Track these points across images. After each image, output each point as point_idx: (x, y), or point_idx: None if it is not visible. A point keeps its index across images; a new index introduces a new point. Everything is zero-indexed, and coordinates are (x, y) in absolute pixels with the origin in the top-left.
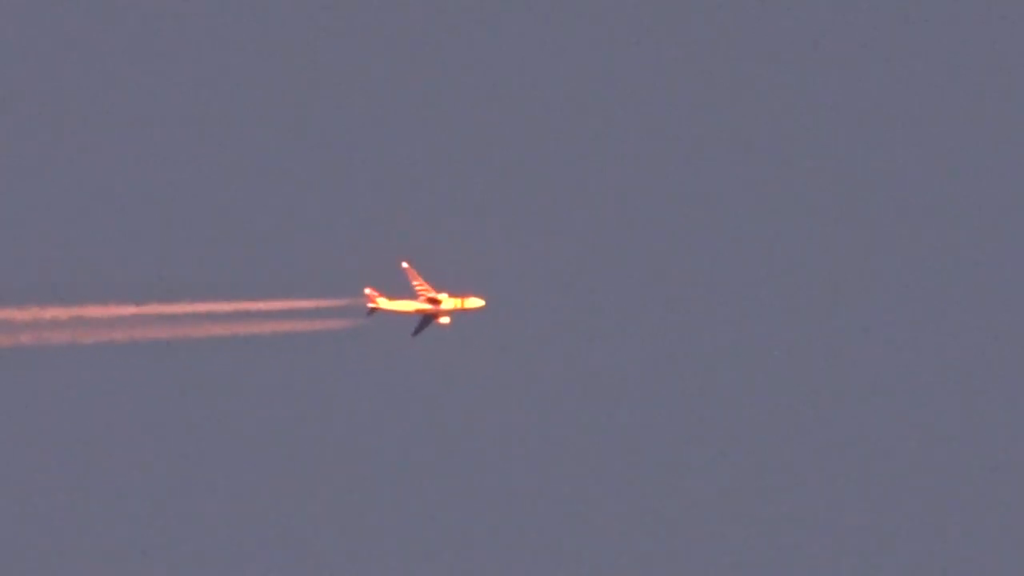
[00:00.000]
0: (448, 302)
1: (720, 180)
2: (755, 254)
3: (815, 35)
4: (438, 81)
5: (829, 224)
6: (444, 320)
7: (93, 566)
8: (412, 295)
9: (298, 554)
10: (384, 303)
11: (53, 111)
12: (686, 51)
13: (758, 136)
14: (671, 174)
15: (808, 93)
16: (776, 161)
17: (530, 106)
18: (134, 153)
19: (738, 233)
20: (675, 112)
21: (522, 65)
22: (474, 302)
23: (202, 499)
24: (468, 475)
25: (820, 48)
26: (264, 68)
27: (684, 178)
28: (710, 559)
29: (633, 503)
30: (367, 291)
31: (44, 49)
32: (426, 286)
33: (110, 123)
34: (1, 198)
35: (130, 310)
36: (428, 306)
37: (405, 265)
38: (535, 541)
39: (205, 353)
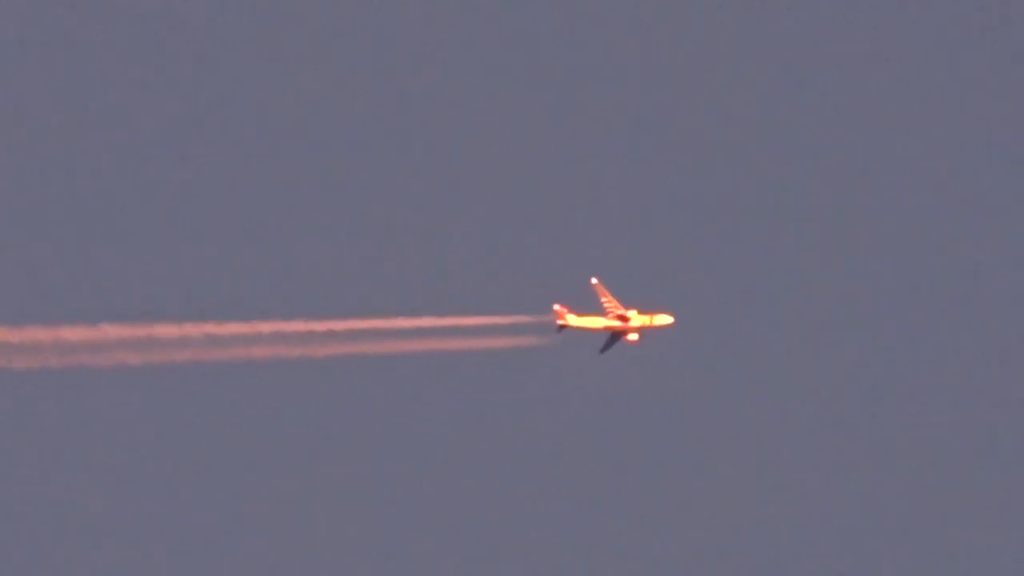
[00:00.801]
0: (637, 319)
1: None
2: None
3: (816, 35)
4: (627, 102)
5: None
6: (632, 337)
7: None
8: (601, 312)
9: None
10: (573, 320)
11: (169, 125)
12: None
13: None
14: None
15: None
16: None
17: (721, 126)
18: (303, 166)
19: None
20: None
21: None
22: (663, 319)
23: (386, 515)
24: (653, 490)
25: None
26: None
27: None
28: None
29: (829, 514)
30: (556, 307)
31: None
32: (615, 303)
33: (264, 132)
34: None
35: (308, 326)
36: (617, 323)
37: (595, 281)
38: (720, 551)
39: (395, 370)
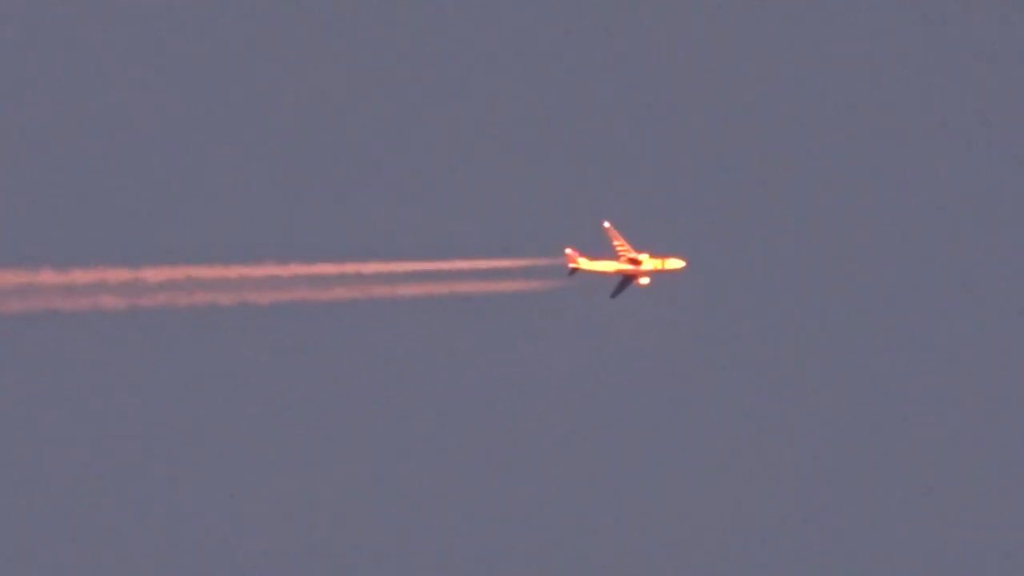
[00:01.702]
0: (648, 263)
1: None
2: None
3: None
4: (639, 52)
5: None
6: (644, 281)
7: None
8: (613, 255)
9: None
10: (585, 263)
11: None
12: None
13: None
14: (878, 156)
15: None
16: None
17: (738, 73)
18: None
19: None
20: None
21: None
22: (674, 263)
23: (398, 451)
24: (662, 438)
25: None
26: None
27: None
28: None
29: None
30: (568, 251)
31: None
32: (627, 246)
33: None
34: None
35: (324, 268)
36: (629, 266)
37: (607, 225)
38: (736, 514)
39: (405, 313)
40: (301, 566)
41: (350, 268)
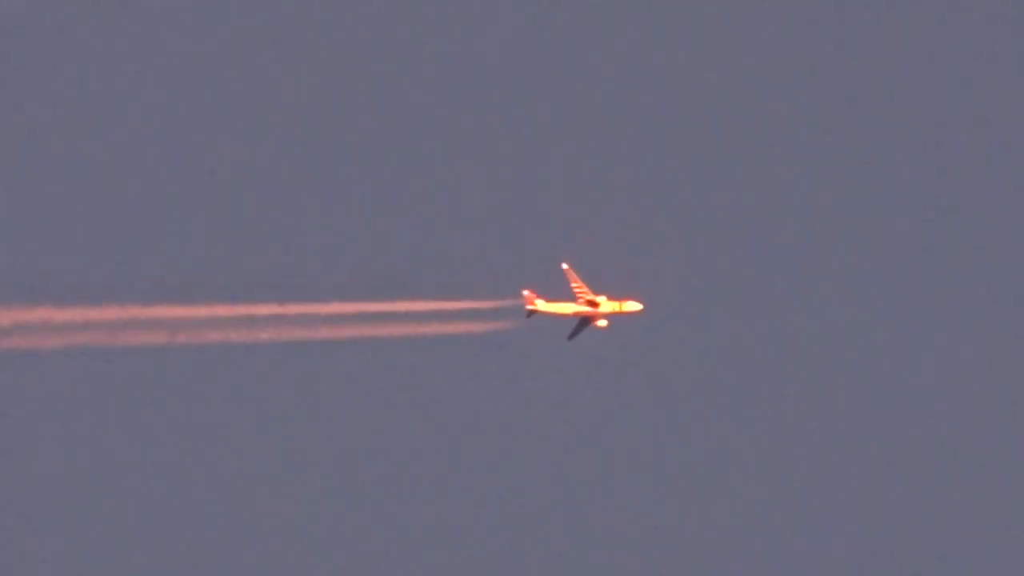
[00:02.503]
0: (606, 305)
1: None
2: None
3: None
4: (600, 85)
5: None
6: (601, 323)
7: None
8: (570, 297)
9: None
10: (543, 305)
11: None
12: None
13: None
14: (837, 181)
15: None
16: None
17: (693, 112)
18: (278, 149)
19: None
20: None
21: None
22: (632, 306)
23: (353, 501)
24: (623, 476)
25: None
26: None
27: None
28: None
29: (792, 506)
30: (526, 293)
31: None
32: (585, 288)
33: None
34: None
35: (274, 310)
36: (587, 308)
37: (565, 267)
38: (695, 543)
39: (362, 354)
40: None
41: (307, 309)
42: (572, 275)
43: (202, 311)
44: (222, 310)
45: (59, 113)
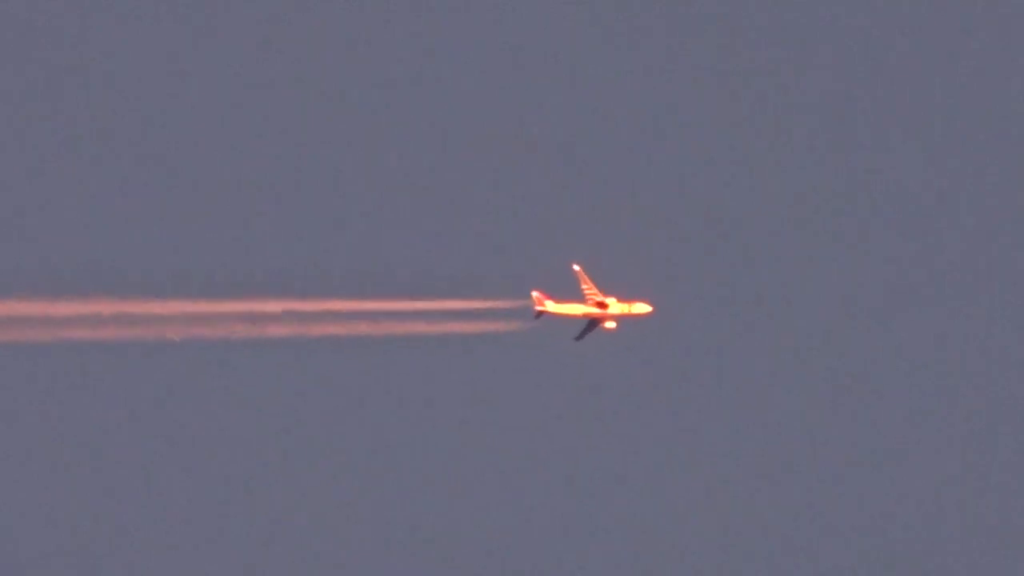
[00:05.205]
0: (616, 307)
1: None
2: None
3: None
4: (614, 87)
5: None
6: (610, 325)
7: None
8: (579, 298)
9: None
10: (552, 306)
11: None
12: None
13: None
14: (850, 184)
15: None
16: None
17: (705, 114)
18: (293, 147)
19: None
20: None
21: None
22: (641, 308)
23: (360, 500)
24: (630, 478)
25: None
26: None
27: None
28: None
29: (801, 507)
30: (535, 294)
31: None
32: (594, 290)
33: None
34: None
35: (285, 306)
36: (596, 310)
37: (576, 268)
38: (704, 545)
39: (370, 353)
40: None
41: (315, 307)
42: (583, 276)
43: (226, 307)
44: (210, 307)
45: (62, 112)
